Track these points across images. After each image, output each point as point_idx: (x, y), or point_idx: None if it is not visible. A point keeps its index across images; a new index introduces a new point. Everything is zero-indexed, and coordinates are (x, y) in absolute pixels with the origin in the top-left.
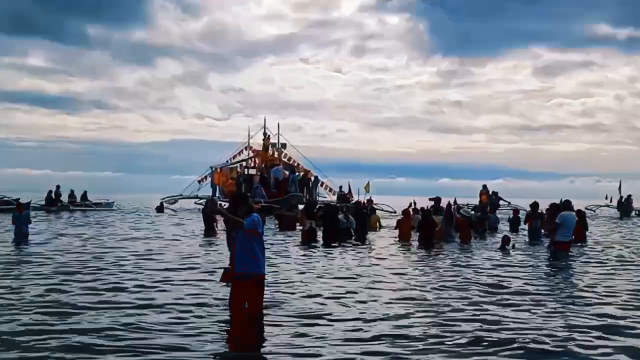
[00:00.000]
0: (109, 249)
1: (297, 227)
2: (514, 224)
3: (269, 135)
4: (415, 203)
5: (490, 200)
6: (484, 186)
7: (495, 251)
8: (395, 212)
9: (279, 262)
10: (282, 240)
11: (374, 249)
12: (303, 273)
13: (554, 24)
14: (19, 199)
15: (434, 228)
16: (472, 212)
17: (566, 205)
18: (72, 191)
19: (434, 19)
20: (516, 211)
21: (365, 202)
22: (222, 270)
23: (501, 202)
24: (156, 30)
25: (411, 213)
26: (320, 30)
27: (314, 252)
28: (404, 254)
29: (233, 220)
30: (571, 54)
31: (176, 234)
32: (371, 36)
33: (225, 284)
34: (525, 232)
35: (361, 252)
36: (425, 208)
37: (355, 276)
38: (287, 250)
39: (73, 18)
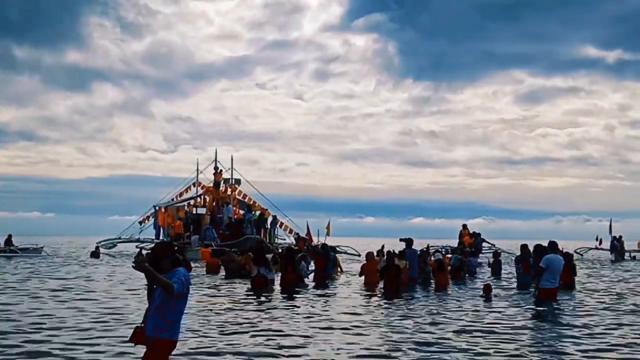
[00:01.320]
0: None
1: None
2: (496, 269)
3: (220, 170)
4: (383, 247)
5: (474, 243)
6: (464, 226)
7: (470, 300)
8: (359, 255)
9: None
10: (230, 288)
11: (333, 301)
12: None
13: (536, 46)
14: None
15: (399, 274)
16: (450, 255)
17: (551, 246)
18: None
19: (405, 40)
20: (497, 254)
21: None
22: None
23: (484, 245)
24: (93, 51)
25: (375, 256)
26: (278, 52)
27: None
28: (366, 306)
29: (161, 283)
30: (556, 79)
31: (109, 285)
32: (335, 59)
33: (134, 345)
34: (510, 278)
35: (318, 305)
36: (391, 251)
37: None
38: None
39: None
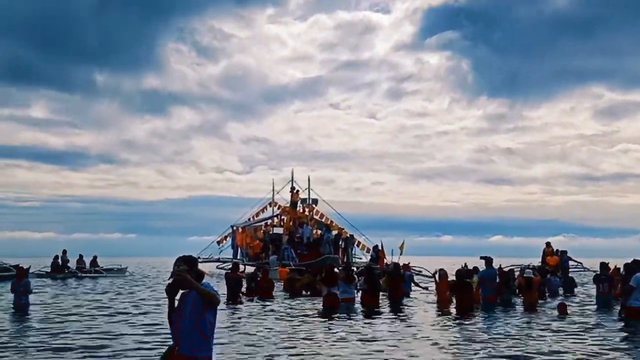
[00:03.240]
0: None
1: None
2: (569, 287)
3: (297, 190)
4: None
5: (560, 261)
6: (548, 244)
7: (543, 320)
8: (432, 277)
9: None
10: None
11: (405, 318)
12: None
13: (614, 60)
14: (18, 265)
15: (471, 292)
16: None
17: (638, 264)
18: (80, 256)
19: (478, 56)
20: (566, 271)
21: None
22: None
23: (571, 263)
24: (170, 76)
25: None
26: (351, 72)
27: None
28: (439, 325)
29: (204, 294)
30: (635, 94)
31: None
32: (408, 77)
33: None
34: (586, 296)
35: (394, 322)
36: (462, 268)
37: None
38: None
39: (78, 64)
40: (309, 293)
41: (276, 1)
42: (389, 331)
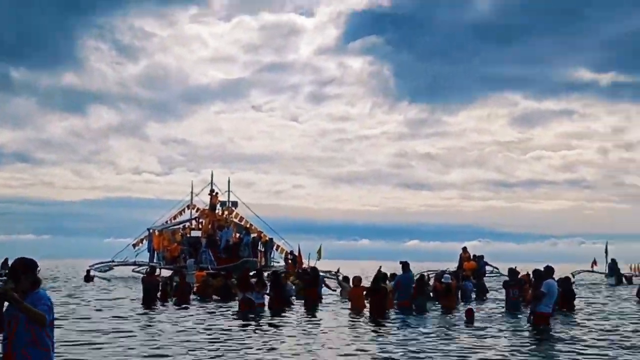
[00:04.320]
0: None
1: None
2: (481, 292)
3: (216, 193)
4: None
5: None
6: (464, 249)
7: (457, 328)
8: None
9: None
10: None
11: (317, 325)
12: None
13: (529, 68)
14: None
15: (387, 296)
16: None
17: (548, 271)
18: None
19: (400, 62)
20: (480, 277)
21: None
22: None
23: (487, 268)
24: (89, 74)
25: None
26: (273, 75)
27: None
28: (353, 333)
29: (32, 315)
30: (549, 102)
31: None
32: (331, 81)
33: None
34: (497, 302)
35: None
36: (377, 274)
37: None
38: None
39: None
40: (219, 297)
41: (199, 1)
42: (298, 342)
